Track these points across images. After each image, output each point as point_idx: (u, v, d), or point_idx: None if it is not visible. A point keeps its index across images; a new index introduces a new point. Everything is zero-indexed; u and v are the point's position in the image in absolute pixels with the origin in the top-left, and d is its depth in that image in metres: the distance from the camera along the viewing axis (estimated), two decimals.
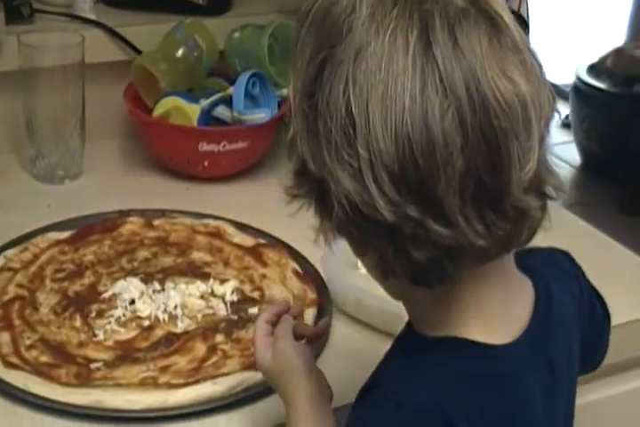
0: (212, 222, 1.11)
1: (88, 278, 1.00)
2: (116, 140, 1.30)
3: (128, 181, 1.24)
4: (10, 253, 1.03)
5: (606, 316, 0.77)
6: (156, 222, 1.11)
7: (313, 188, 0.60)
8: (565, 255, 0.75)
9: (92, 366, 0.87)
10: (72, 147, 1.21)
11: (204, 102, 1.19)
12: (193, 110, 1.18)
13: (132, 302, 0.96)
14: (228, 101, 1.19)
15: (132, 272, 1.01)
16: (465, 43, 0.55)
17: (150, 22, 1.28)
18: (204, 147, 1.18)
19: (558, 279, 0.71)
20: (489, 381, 0.61)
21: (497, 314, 0.63)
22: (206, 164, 1.20)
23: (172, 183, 1.23)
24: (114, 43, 1.25)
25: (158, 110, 1.20)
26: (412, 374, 0.61)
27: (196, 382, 0.84)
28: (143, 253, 1.05)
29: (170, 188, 1.22)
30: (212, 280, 1.00)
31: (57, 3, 1.27)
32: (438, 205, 0.55)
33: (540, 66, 0.59)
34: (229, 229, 1.09)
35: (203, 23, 1.25)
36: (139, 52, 1.24)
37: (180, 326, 0.93)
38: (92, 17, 1.25)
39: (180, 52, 1.23)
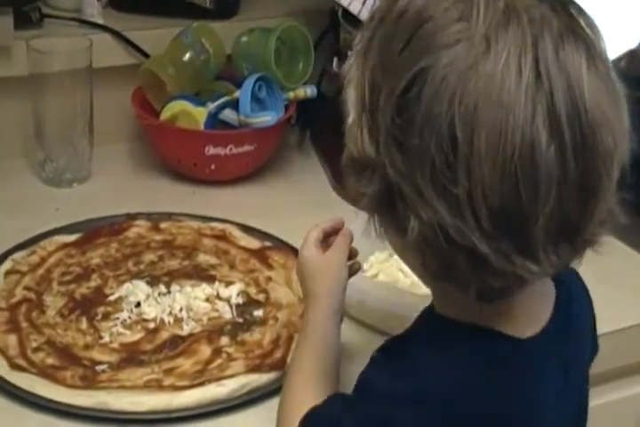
0: (218, 225, 1.11)
1: (94, 281, 1.01)
2: (123, 144, 1.31)
3: (136, 184, 1.24)
4: (18, 256, 1.03)
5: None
6: (163, 225, 1.12)
7: (392, 204, 0.58)
8: None
9: (98, 368, 0.87)
10: (80, 150, 1.22)
11: (211, 106, 1.20)
12: (200, 114, 1.19)
13: (138, 304, 0.96)
14: (235, 105, 1.20)
15: (138, 275, 1.02)
16: (572, 74, 0.54)
17: (158, 26, 1.28)
18: (211, 150, 1.18)
19: (575, 281, 0.72)
20: (514, 371, 0.63)
21: (525, 313, 0.65)
22: (213, 167, 1.20)
23: (180, 186, 1.24)
24: (122, 47, 1.25)
25: (165, 114, 1.20)
26: (441, 359, 0.62)
27: (201, 384, 0.85)
28: (149, 257, 1.06)
29: (177, 191, 1.23)
30: (217, 283, 1.00)
31: (66, 8, 1.27)
32: (529, 240, 0.55)
33: (624, 95, 0.59)
34: (235, 232, 1.10)
35: (210, 27, 1.26)
36: (146, 56, 1.25)
37: (186, 329, 0.93)
38: (100, 21, 1.25)
39: (187, 56, 1.24)
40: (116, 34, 1.24)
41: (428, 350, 0.63)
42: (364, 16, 1.14)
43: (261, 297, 0.99)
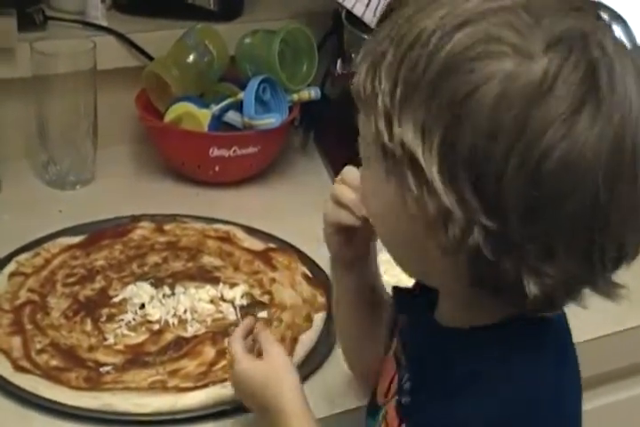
0: (222, 227, 1.11)
1: (99, 283, 1.01)
2: (127, 146, 1.31)
3: (140, 186, 1.24)
4: (22, 258, 1.03)
5: None
6: (167, 227, 1.12)
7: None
8: None
9: (102, 369, 0.87)
10: (83, 153, 1.22)
11: (215, 108, 1.20)
12: (204, 115, 1.19)
13: (142, 306, 0.96)
14: (239, 107, 1.20)
15: (142, 277, 1.02)
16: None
17: (162, 28, 1.28)
18: (215, 152, 1.18)
19: None
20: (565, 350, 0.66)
21: None
22: (217, 169, 1.21)
23: (184, 188, 1.24)
24: (125, 49, 1.25)
25: (169, 116, 1.21)
26: (522, 361, 0.62)
27: (205, 385, 0.85)
28: (153, 258, 1.06)
29: (181, 193, 1.23)
30: (221, 284, 1.00)
31: (69, 10, 1.28)
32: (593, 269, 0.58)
33: None
34: (239, 234, 1.10)
35: (213, 29, 1.26)
36: (150, 58, 1.25)
37: (190, 331, 0.93)
38: (104, 24, 1.25)
39: (190, 58, 1.24)
40: (120, 36, 1.24)
41: (497, 363, 0.62)
42: (367, 18, 1.14)
43: (265, 298, 0.99)
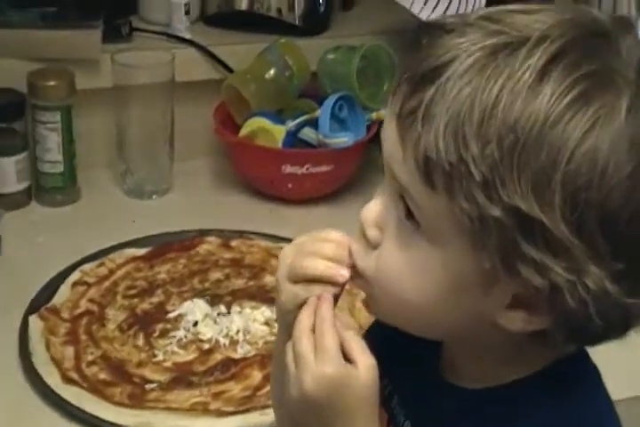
0: None
1: (158, 297, 1.01)
2: (205, 158, 1.31)
3: (214, 199, 1.24)
4: (87, 267, 1.04)
5: None
6: (233, 243, 1.11)
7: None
8: None
9: (147, 386, 0.87)
10: (161, 164, 1.23)
11: (290, 124, 1.19)
12: (278, 131, 1.18)
13: (196, 324, 0.95)
14: (315, 123, 1.18)
15: (201, 293, 1.01)
16: None
17: (245, 42, 1.28)
18: (288, 169, 1.17)
19: None
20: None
21: None
22: (290, 186, 1.19)
23: (257, 204, 1.23)
24: (207, 62, 1.26)
25: (244, 130, 1.20)
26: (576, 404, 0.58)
27: (246, 411, 0.83)
28: (216, 274, 1.05)
29: (254, 208, 1.22)
30: None
31: (156, 21, 1.29)
32: None
33: None
34: None
35: (295, 44, 1.25)
36: (231, 71, 1.25)
37: (240, 352, 0.92)
38: (188, 36, 1.26)
39: (269, 74, 1.23)
40: (202, 48, 1.25)
41: (555, 412, 0.57)
42: (424, 15, 1.09)
43: None
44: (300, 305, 0.60)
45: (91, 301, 1.00)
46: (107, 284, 1.03)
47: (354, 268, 0.58)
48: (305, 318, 0.59)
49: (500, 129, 0.50)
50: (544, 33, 0.52)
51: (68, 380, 0.87)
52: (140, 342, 0.93)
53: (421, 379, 0.63)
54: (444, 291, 0.54)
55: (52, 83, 1.15)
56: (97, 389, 0.86)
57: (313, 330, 0.58)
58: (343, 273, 0.59)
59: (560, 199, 0.50)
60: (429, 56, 0.52)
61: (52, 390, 0.86)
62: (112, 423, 0.82)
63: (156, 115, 1.20)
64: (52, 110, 1.16)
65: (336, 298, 0.60)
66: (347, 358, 0.57)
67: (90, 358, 0.91)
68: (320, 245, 0.61)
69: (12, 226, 1.16)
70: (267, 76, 1.23)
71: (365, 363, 0.57)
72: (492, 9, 0.55)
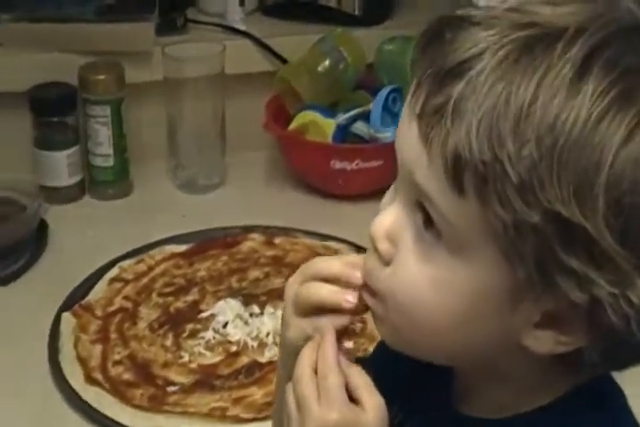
0: (333, 245, 1.06)
1: (193, 296, 0.99)
2: (258, 152, 1.28)
3: (264, 194, 1.21)
4: (125, 263, 1.03)
5: None
6: (277, 241, 1.08)
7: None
8: None
9: (169, 389, 0.85)
10: (212, 158, 1.21)
11: (341, 117, 1.14)
12: (328, 125, 1.14)
13: (226, 324, 0.93)
14: (368, 117, 1.14)
15: (237, 292, 0.98)
16: None
17: (300, 32, 1.24)
18: (337, 164, 1.13)
19: None
20: None
21: None
22: (340, 181, 1.15)
23: (308, 199, 1.19)
24: (261, 53, 1.23)
25: (295, 124, 1.17)
26: None
27: (265, 418, 0.80)
28: (255, 273, 1.03)
29: (304, 204, 1.19)
30: None
31: (212, 12, 1.27)
32: None
33: None
34: (348, 255, 1.04)
35: (351, 35, 1.20)
36: (285, 62, 1.22)
37: (267, 355, 0.89)
38: (243, 27, 1.23)
39: (323, 65, 1.19)
40: (256, 40, 1.22)
41: None
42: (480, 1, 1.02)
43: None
44: (306, 305, 0.56)
45: (125, 298, 0.98)
46: (144, 281, 1.01)
47: (367, 286, 0.53)
48: (306, 357, 0.54)
49: (539, 128, 0.45)
50: (581, 25, 0.47)
51: (90, 380, 0.86)
52: (169, 342, 0.91)
53: (433, 409, 0.58)
54: (467, 309, 0.49)
55: (101, 77, 1.14)
56: (118, 390, 0.84)
57: (315, 369, 0.54)
58: (348, 298, 0.54)
59: (604, 204, 0.45)
60: (455, 50, 0.47)
61: (75, 392, 0.84)
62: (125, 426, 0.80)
63: (207, 108, 1.18)
64: (102, 104, 1.15)
65: (346, 329, 0.56)
66: (352, 396, 0.53)
67: (116, 357, 0.89)
68: (325, 264, 0.57)
69: (63, 219, 1.16)
70: (320, 67, 1.19)
71: (372, 403, 0.53)
72: (518, 1, 0.50)
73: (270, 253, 1.06)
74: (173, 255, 1.05)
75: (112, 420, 0.81)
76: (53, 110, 1.16)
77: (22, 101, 1.15)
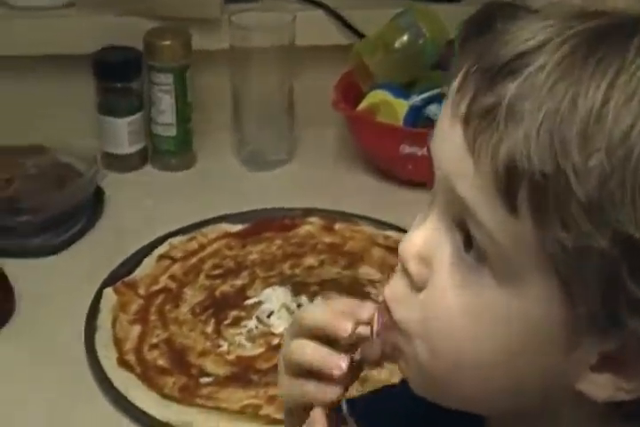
0: (394, 235, 0.99)
1: (242, 280, 0.94)
2: (327, 130, 1.21)
3: (329, 175, 1.15)
4: (176, 240, 0.99)
5: None
6: (337, 226, 1.02)
7: None
8: None
9: (202, 380, 0.81)
10: (278, 133, 1.16)
11: (415, 99, 1.07)
12: (400, 106, 1.07)
13: (271, 314, 0.88)
14: (443, 99, 1.06)
15: (287, 280, 0.93)
16: None
17: (378, 6, 1.17)
18: (407, 149, 1.06)
19: None
20: None
21: None
22: (410, 167, 1.08)
23: (375, 183, 1.13)
24: (335, 26, 1.16)
25: (364, 103, 1.10)
26: None
27: None
28: (310, 260, 0.97)
29: (370, 188, 1.12)
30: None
31: None
32: None
33: None
34: None
35: (431, 9, 1.12)
36: (361, 36, 1.15)
37: None
38: None
39: (401, 41, 1.11)
40: (331, 11, 1.15)
41: None
42: None
43: None
44: (299, 406, 0.51)
45: (171, 277, 0.94)
46: (193, 260, 0.97)
47: (388, 320, 0.46)
48: None
49: (611, 135, 0.38)
50: None
51: (123, 363, 0.82)
52: (209, 328, 0.87)
53: None
54: (514, 348, 0.42)
55: (167, 42, 1.10)
56: (149, 376, 0.80)
57: None
58: (340, 364, 0.48)
59: None
60: (509, 42, 0.41)
61: (106, 375, 0.81)
62: (152, 417, 0.76)
63: (274, 80, 1.12)
64: (165, 71, 1.11)
65: (347, 388, 0.50)
66: None
67: (154, 340, 0.85)
68: (309, 315, 0.51)
69: (122, 188, 1.13)
70: (397, 43, 1.11)
71: None
72: None
73: (328, 239, 1.00)
74: (227, 235, 1.00)
75: (138, 408, 0.77)
76: (117, 75, 1.12)
77: (88, 65, 1.12)
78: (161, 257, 0.96)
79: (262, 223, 1.02)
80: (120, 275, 0.94)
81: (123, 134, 1.14)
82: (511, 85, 0.39)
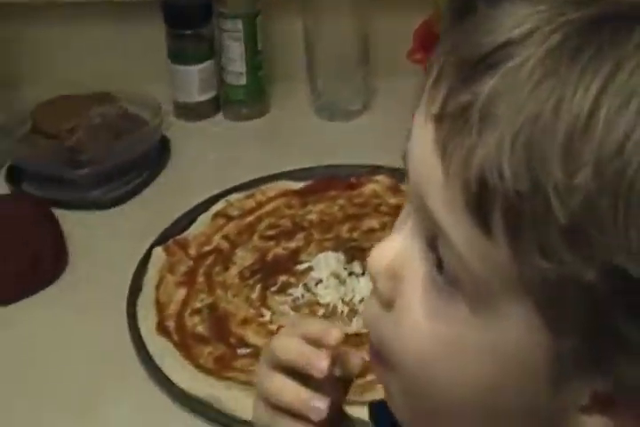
0: None
1: (296, 242, 0.90)
2: (405, 78, 1.14)
3: (404, 128, 1.08)
4: (234, 197, 0.95)
5: None
6: (405, 187, 0.95)
7: None
8: None
9: (240, 351, 0.77)
10: (353, 82, 1.09)
11: None
12: None
13: (320, 282, 0.83)
14: None
15: (345, 243, 0.88)
16: None
17: None
18: None
19: None
20: None
21: None
22: None
23: None
24: None
25: None
26: None
27: None
28: (371, 222, 0.91)
29: None
30: None
31: None
32: None
33: None
34: None
35: None
36: None
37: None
38: None
39: None
40: None
41: None
42: None
43: None
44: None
45: (225, 237, 0.91)
46: (250, 218, 0.93)
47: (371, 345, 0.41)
48: None
49: (601, 148, 0.31)
50: None
51: (161, 329, 0.80)
52: (255, 294, 0.83)
53: None
54: (489, 384, 0.36)
55: None
56: (186, 345, 0.78)
57: None
58: (321, 408, 0.44)
59: None
60: (491, 30, 0.34)
61: (143, 342, 0.79)
62: (180, 389, 0.74)
63: (349, 26, 1.05)
64: (235, 18, 1.05)
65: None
66: None
67: (197, 305, 0.82)
68: (305, 320, 0.50)
69: (191, 138, 1.10)
70: None
71: None
72: None
73: (393, 200, 0.94)
74: (287, 193, 0.95)
75: (168, 379, 0.75)
76: (186, 21, 1.07)
77: (159, 11, 1.08)
78: (216, 215, 0.93)
79: (327, 181, 0.97)
80: (173, 233, 0.91)
81: (193, 82, 1.10)
82: (489, 82, 0.33)
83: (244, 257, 0.88)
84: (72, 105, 1.05)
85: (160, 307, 0.82)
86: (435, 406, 0.38)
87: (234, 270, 0.86)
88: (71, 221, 0.96)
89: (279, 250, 0.89)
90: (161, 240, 0.90)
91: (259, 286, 0.84)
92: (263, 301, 0.82)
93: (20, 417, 0.76)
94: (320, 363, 0.44)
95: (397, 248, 0.38)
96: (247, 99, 1.11)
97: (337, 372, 0.46)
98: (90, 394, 0.76)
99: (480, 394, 0.37)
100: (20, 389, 0.78)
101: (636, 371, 0.33)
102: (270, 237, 0.90)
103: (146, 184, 1.02)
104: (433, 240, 0.36)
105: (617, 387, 0.34)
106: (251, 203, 0.95)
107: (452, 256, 0.35)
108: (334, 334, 0.45)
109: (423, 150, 0.35)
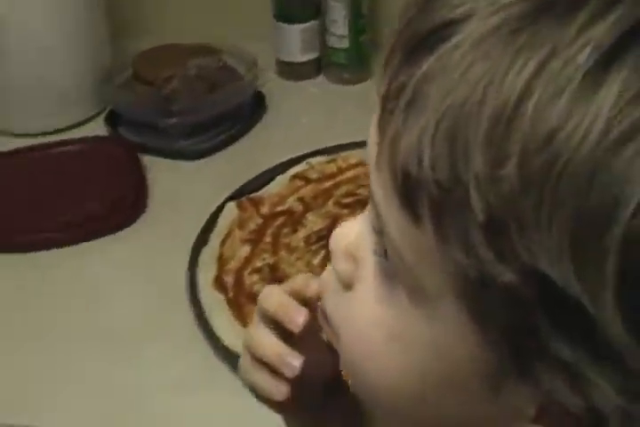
0: None
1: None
2: None
3: None
4: (315, 160, 0.94)
5: None
6: None
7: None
8: None
9: None
10: None
11: None
12: None
13: None
14: None
15: None
16: None
17: None
18: None
19: None
20: None
21: None
22: None
23: None
24: None
25: None
26: None
27: None
28: None
29: None
30: None
31: None
32: None
33: None
34: None
35: None
36: None
37: None
38: None
39: None
40: None
41: None
42: None
43: None
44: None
45: (300, 199, 0.90)
46: (328, 184, 0.92)
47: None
48: None
49: (527, 138, 0.28)
50: None
51: (217, 284, 0.80)
52: (317, 260, 0.82)
53: None
54: (432, 379, 0.34)
55: None
56: (238, 303, 0.78)
57: None
58: (292, 362, 0.43)
59: (613, 268, 0.28)
60: (435, 10, 0.31)
61: (196, 292, 0.79)
62: (225, 346, 0.74)
63: None
64: None
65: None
66: None
67: (259, 264, 0.82)
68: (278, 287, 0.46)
69: (288, 97, 1.09)
70: None
71: None
72: None
73: None
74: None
75: (213, 333, 0.75)
76: None
77: None
78: (295, 177, 0.92)
79: None
80: (250, 190, 0.91)
81: (295, 42, 1.09)
82: (423, 64, 0.30)
83: (314, 221, 0.87)
84: (172, 54, 1.06)
85: (222, 261, 0.82)
86: (366, 386, 0.37)
87: (301, 234, 0.86)
88: (157, 169, 0.98)
89: (351, 218, 0.87)
90: (236, 195, 0.90)
91: (322, 253, 0.83)
92: (323, 267, 0.81)
93: (66, 348, 0.77)
94: (297, 317, 0.43)
95: (358, 229, 0.37)
96: (348, 63, 1.09)
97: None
98: (136, 336, 0.77)
99: (419, 389, 0.34)
100: (77, 321, 0.80)
101: (564, 394, 0.30)
102: (345, 205, 0.89)
103: (234, 139, 1.02)
104: (381, 226, 0.34)
105: (547, 399, 0.31)
106: (332, 168, 0.93)
107: (388, 243, 0.33)
108: (313, 286, 0.43)
109: (372, 131, 0.34)
